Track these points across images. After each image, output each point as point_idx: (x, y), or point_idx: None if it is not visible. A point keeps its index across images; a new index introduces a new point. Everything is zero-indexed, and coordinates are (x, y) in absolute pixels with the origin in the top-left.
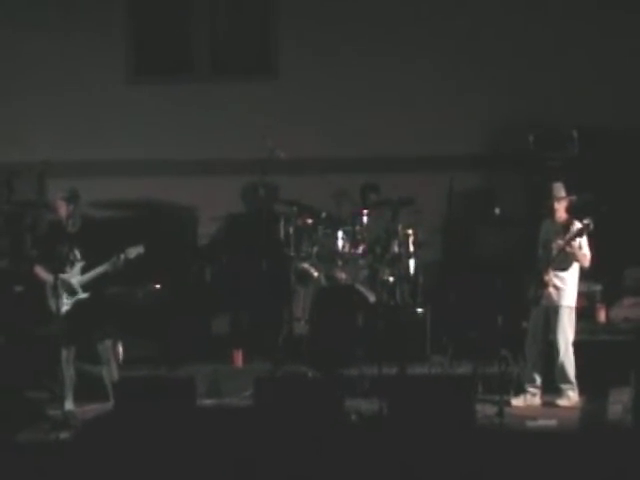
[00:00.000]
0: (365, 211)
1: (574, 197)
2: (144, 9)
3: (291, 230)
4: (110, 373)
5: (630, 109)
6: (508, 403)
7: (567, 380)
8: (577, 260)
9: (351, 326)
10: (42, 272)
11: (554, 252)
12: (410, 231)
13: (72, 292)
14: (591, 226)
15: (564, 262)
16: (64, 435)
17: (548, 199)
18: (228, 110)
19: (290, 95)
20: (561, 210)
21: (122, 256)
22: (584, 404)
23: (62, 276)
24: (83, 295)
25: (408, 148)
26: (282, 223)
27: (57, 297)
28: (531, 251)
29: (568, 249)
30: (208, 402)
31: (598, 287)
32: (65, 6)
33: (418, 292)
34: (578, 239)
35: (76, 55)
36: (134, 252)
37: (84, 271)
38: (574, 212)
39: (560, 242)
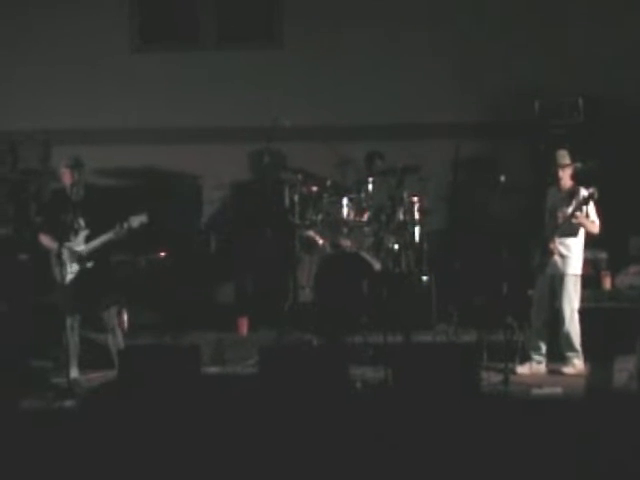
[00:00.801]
0: (370, 179)
1: (579, 164)
2: None
3: (296, 198)
4: (115, 341)
5: (635, 77)
6: (513, 371)
7: (572, 348)
8: (585, 228)
9: (356, 294)
10: (47, 240)
11: (560, 220)
12: (415, 199)
13: (77, 260)
14: (596, 194)
15: (570, 230)
16: (69, 403)
17: (553, 167)
18: (233, 78)
19: (295, 64)
20: (566, 178)
21: (125, 225)
22: (589, 372)
23: (67, 244)
24: (88, 263)
25: (413, 116)
26: (287, 191)
27: (61, 265)
28: (536, 219)
29: (574, 219)
30: (213, 370)
31: (603, 255)
32: None
33: (423, 260)
34: (585, 207)
35: (81, 23)
36: (137, 221)
37: (88, 240)
38: (579, 179)
39: (566, 210)
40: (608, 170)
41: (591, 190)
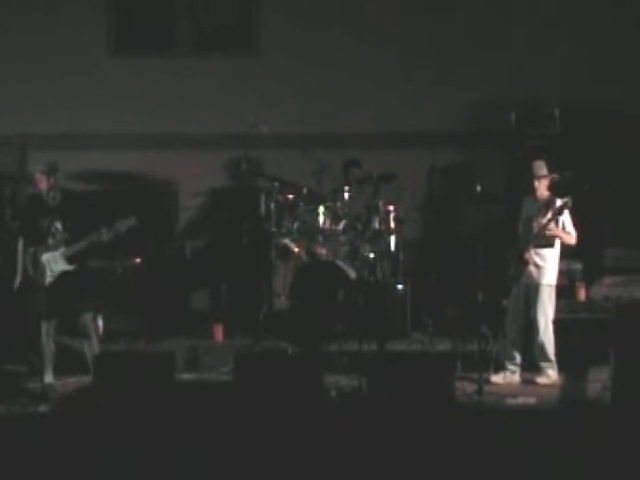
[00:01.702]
0: (347, 187)
1: (556, 176)
2: None
3: (272, 205)
4: (90, 347)
5: (611, 88)
6: (487, 380)
7: (546, 358)
8: (560, 239)
9: (331, 302)
10: (24, 245)
11: (535, 230)
12: (391, 207)
13: (55, 264)
14: (569, 204)
15: (545, 240)
16: (43, 408)
17: (529, 177)
18: (210, 85)
19: (272, 71)
20: (542, 188)
21: (112, 229)
22: (563, 382)
23: (44, 248)
24: (67, 267)
25: (390, 124)
26: (263, 198)
27: (38, 269)
28: (512, 229)
29: (548, 230)
30: (187, 377)
31: (579, 266)
32: None
33: (399, 269)
34: (561, 218)
35: (58, 28)
36: (126, 225)
37: (68, 244)
38: (556, 190)
39: (541, 220)
40: (584, 181)
41: (565, 200)
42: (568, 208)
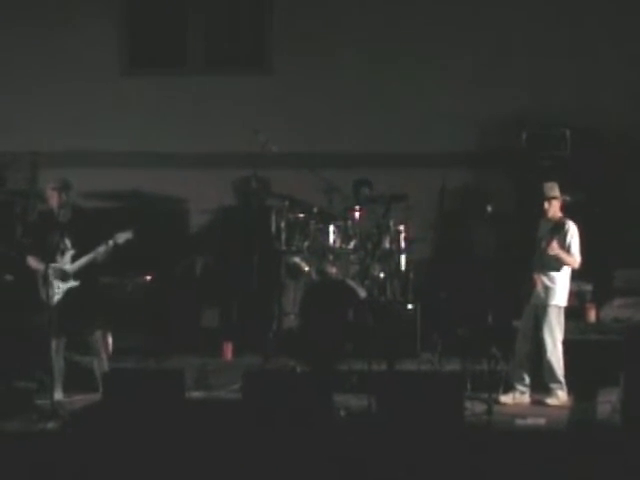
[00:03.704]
0: (357, 206)
1: (567, 197)
2: (139, 1)
3: (282, 224)
4: (100, 364)
5: (623, 110)
6: (497, 400)
7: (555, 379)
8: (562, 261)
9: (341, 321)
10: (34, 262)
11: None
12: (402, 227)
13: (65, 278)
14: (564, 226)
15: (552, 262)
16: (52, 425)
17: (540, 198)
18: (221, 103)
19: (283, 90)
20: (554, 209)
21: (111, 242)
22: (573, 403)
23: (53, 265)
24: (74, 283)
25: (401, 144)
26: (274, 217)
27: (47, 286)
28: (523, 249)
29: (550, 251)
30: (197, 394)
31: (588, 287)
32: None
33: (409, 288)
34: (567, 240)
35: (71, 46)
36: (123, 237)
37: (74, 260)
38: (568, 212)
39: (550, 241)
40: (594, 202)
41: (560, 221)
42: (560, 230)
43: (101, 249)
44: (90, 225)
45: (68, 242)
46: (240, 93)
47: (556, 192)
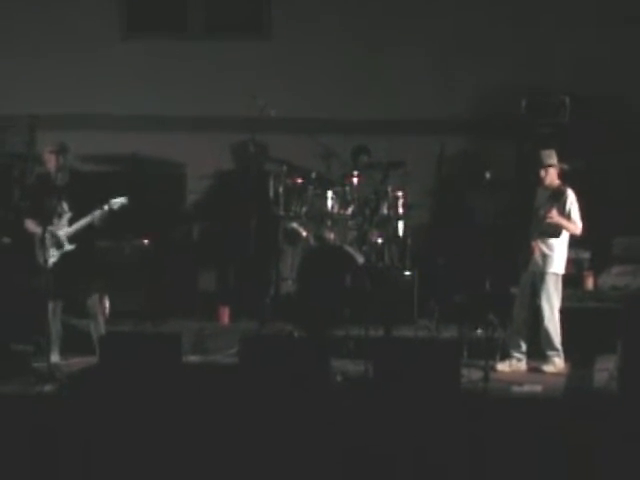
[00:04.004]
0: (356, 172)
1: (564, 165)
2: None
3: (281, 189)
4: (97, 327)
5: (623, 76)
6: (493, 368)
7: (552, 347)
8: (563, 228)
9: (339, 287)
10: (32, 225)
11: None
12: (400, 193)
13: (59, 245)
14: (563, 193)
15: (551, 229)
16: (49, 388)
17: (537, 166)
18: (219, 68)
19: (282, 55)
20: (552, 177)
21: (106, 207)
22: (570, 371)
23: (50, 228)
24: (70, 247)
25: (399, 111)
26: (272, 182)
27: (45, 250)
28: (521, 216)
29: (549, 218)
30: (193, 359)
31: (586, 255)
32: None
33: (406, 254)
34: (566, 206)
35: (70, 9)
36: (118, 203)
37: (71, 223)
38: (566, 180)
39: (549, 208)
40: (593, 170)
41: (558, 189)
42: (560, 196)
43: (96, 213)
44: (87, 189)
45: (65, 205)
46: (239, 58)
47: (553, 160)
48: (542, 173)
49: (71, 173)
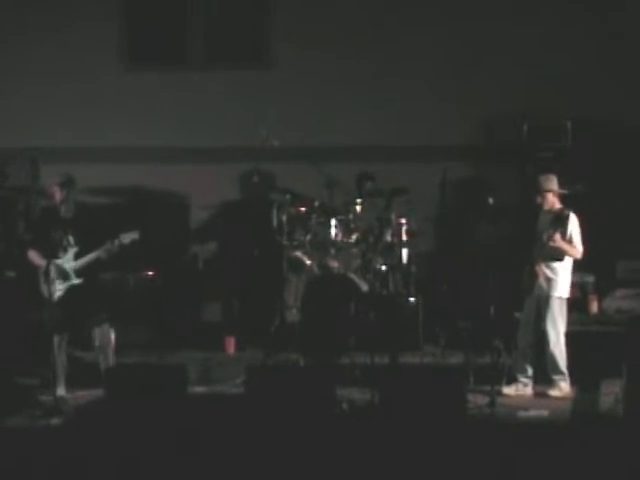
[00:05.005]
0: (359, 200)
1: (564, 190)
2: None
3: (284, 218)
4: (105, 360)
5: (624, 101)
6: (500, 393)
7: (558, 371)
8: (565, 252)
9: (343, 315)
10: (36, 257)
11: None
12: (403, 220)
13: (65, 277)
14: (567, 216)
15: (553, 253)
16: (55, 421)
17: (536, 191)
18: (222, 98)
19: (284, 84)
20: (553, 201)
21: (116, 242)
22: (576, 395)
23: (56, 261)
24: (76, 281)
25: (402, 138)
26: (275, 211)
27: (49, 283)
28: (524, 241)
29: (551, 242)
30: (199, 389)
31: (591, 278)
32: None
33: (411, 281)
34: (568, 230)
35: (72, 41)
36: (129, 238)
37: (77, 257)
38: (568, 203)
39: (551, 232)
40: (596, 193)
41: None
42: (564, 219)
43: (105, 248)
44: (94, 223)
45: (71, 239)
46: (241, 87)
47: (552, 184)
48: (538, 199)
49: (77, 207)
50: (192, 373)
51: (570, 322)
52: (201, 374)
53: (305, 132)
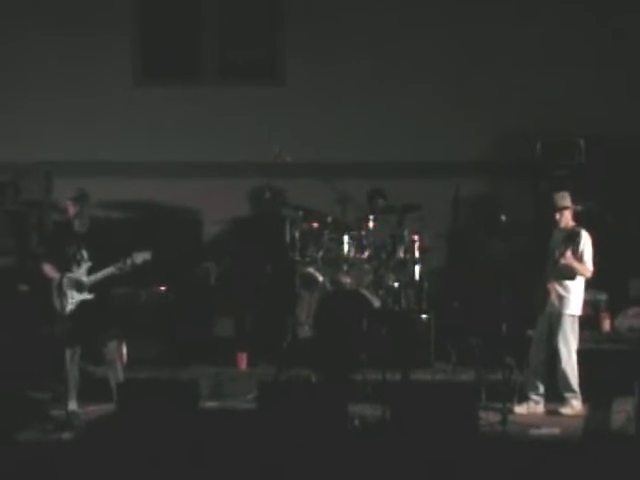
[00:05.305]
0: (372, 216)
1: (579, 207)
2: (152, 11)
3: (297, 234)
4: (115, 374)
5: (637, 118)
6: (511, 410)
7: (570, 389)
8: (574, 270)
9: (355, 331)
10: (50, 270)
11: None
12: (416, 237)
13: (80, 288)
14: (578, 233)
15: (565, 271)
16: (67, 435)
17: (551, 208)
18: (234, 114)
19: (296, 100)
20: (566, 218)
21: (129, 261)
22: (588, 413)
23: (69, 275)
24: (89, 296)
25: (414, 154)
26: (288, 227)
27: (62, 297)
28: (537, 258)
29: (563, 260)
30: (211, 404)
31: (603, 296)
32: (73, 7)
33: (423, 298)
34: (580, 248)
35: (84, 56)
36: (141, 257)
37: (90, 272)
38: (582, 221)
39: (564, 250)
40: (609, 211)
41: (577, 228)
42: (576, 238)
43: (118, 267)
44: (106, 236)
45: (85, 253)
46: (253, 103)
47: (567, 202)
48: (557, 216)
49: (91, 221)
50: (204, 388)
51: (582, 340)
52: (213, 389)
53: (317, 148)
